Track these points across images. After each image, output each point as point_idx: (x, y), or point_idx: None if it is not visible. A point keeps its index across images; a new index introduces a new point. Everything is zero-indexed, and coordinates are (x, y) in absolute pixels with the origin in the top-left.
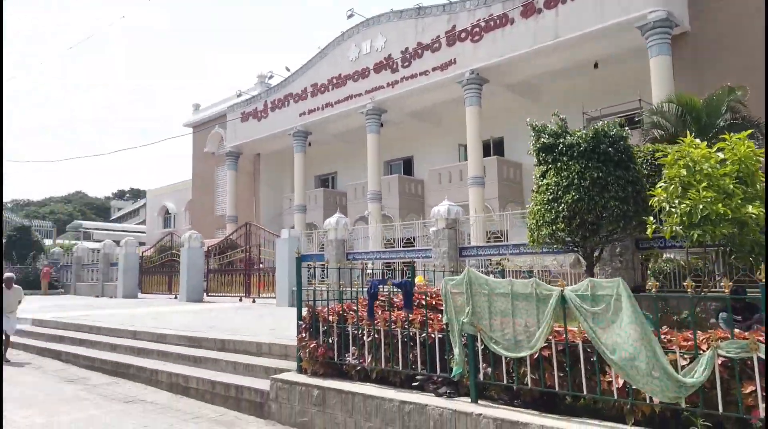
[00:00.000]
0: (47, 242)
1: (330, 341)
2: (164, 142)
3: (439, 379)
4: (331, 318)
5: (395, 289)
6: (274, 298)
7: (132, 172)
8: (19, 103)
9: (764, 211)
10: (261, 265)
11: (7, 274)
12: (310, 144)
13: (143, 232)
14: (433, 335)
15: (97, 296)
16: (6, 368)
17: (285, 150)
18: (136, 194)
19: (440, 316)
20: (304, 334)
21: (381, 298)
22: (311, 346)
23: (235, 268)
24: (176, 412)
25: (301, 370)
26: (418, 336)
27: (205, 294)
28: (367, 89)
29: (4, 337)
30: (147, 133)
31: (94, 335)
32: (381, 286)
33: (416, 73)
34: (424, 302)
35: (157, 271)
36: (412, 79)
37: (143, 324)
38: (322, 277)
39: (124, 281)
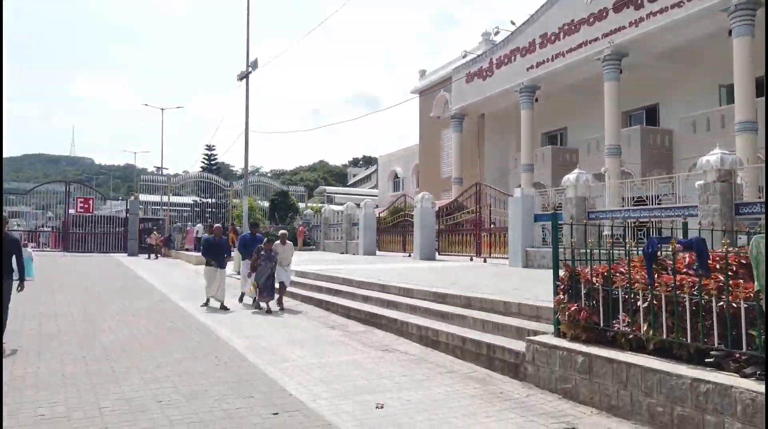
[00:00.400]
0: (300, 205)
1: (592, 305)
2: (392, 110)
3: (744, 358)
4: (594, 280)
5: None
6: (506, 258)
7: (364, 141)
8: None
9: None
10: (493, 225)
11: (281, 231)
12: (537, 99)
13: (375, 196)
14: (735, 304)
15: (342, 253)
16: (283, 314)
17: (510, 108)
18: (368, 161)
19: (740, 281)
20: (562, 296)
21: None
22: (572, 309)
23: (465, 229)
24: (429, 364)
25: (559, 333)
26: (714, 304)
27: (436, 253)
28: (604, 32)
29: (279, 286)
30: (374, 104)
31: (347, 287)
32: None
33: (666, 6)
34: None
35: (392, 231)
36: (662, 13)
37: (388, 278)
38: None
39: (364, 239)
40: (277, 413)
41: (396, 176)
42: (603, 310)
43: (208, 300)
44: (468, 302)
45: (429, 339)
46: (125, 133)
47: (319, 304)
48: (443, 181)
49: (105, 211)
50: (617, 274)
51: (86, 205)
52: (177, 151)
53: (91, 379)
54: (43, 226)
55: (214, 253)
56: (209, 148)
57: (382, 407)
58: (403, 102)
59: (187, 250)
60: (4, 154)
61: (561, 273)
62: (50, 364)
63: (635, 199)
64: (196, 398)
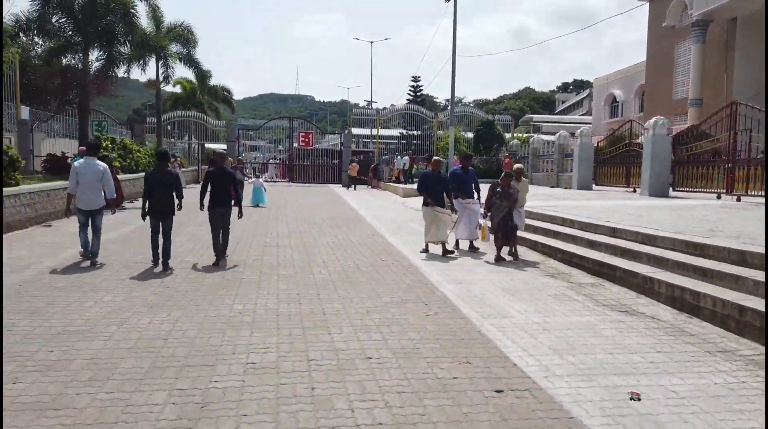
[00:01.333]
0: (506, 135)
1: None
2: (613, 29)
3: None
4: None
5: None
6: None
7: (575, 65)
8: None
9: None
10: (760, 155)
11: (517, 166)
12: None
13: (589, 123)
14: None
15: (552, 186)
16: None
17: None
18: (579, 86)
19: None
20: None
21: None
22: None
23: (709, 160)
24: (690, 338)
25: None
26: None
27: (670, 188)
28: None
29: (512, 232)
30: (588, 22)
31: (567, 228)
32: None
33: None
34: None
35: (610, 162)
36: None
37: (618, 219)
38: None
39: (578, 172)
40: (501, 390)
41: (614, 100)
42: None
43: (427, 246)
44: (742, 257)
45: (685, 302)
46: (340, 69)
47: (534, 246)
48: (675, 105)
49: (324, 144)
50: None
51: (306, 139)
52: (385, 83)
53: (302, 321)
54: (274, 158)
55: (432, 190)
56: (415, 79)
57: (638, 399)
58: (629, 10)
59: (393, 181)
60: (243, 95)
61: None
62: (267, 302)
63: None
64: (407, 357)
